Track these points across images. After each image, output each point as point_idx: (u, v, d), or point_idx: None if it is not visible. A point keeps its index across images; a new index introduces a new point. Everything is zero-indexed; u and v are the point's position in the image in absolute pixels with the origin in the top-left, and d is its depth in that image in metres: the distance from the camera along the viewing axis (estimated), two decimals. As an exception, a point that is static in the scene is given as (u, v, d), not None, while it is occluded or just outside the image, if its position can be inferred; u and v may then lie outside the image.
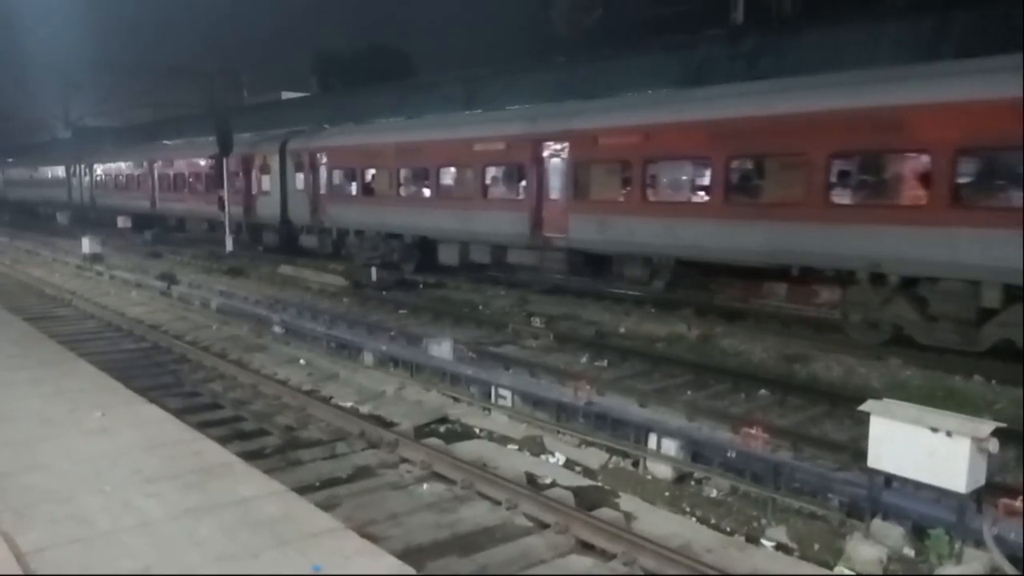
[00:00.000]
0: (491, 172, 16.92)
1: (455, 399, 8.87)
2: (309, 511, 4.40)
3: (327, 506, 4.84)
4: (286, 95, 39.04)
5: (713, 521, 5.93)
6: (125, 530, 4.06)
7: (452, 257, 17.66)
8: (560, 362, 10.57)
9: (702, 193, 12.95)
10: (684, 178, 13.59)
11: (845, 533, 5.47)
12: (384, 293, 16.38)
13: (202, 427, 6.31)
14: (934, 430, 5.05)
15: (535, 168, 15.48)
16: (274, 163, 23.31)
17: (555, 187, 15.23)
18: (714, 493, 6.37)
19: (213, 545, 3.90)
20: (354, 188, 20.75)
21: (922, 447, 5.10)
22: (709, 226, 12.50)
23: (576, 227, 14.68)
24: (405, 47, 40.39)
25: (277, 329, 12.47)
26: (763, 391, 9.17)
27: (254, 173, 24.66)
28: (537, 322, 12.94)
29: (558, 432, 7.68)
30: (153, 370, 10.33)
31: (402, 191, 19.08)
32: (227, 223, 24.21)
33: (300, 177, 22.27)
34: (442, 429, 8.11)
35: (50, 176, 43.54)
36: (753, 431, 6.42)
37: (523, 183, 15.93)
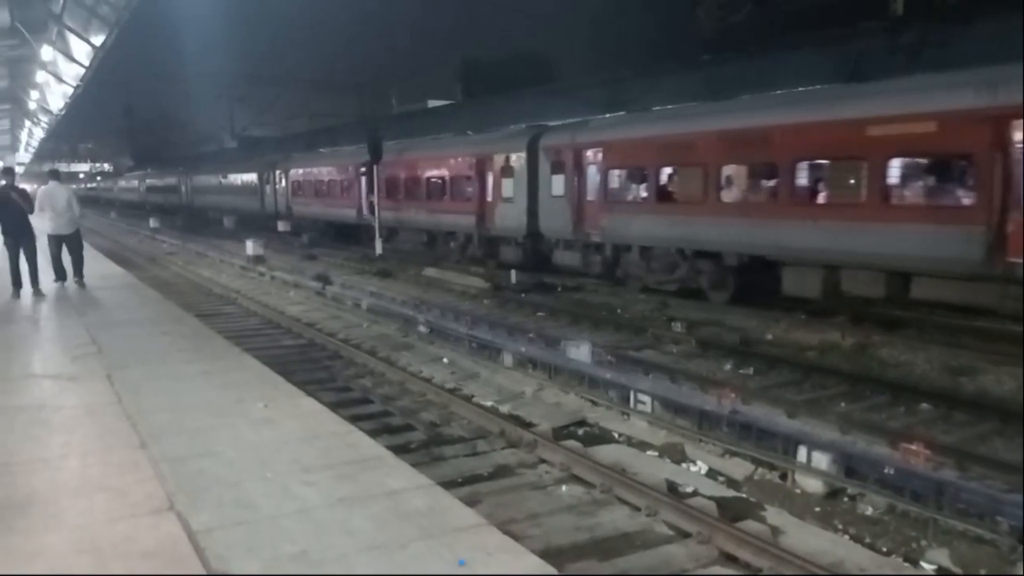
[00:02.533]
0: (890, 166, 11.65)
1: (593, 402, 8.85)
2: (454, 506, 4.51)
3: (469, 502, 4.95)
4: (432, 103, 40.26)
5: (868, 540, 5.61)
6: (285, 515, 4.32)
7: (811, 287, 12.75)
8: (702, 369, 10.32)
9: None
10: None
11: (1016, 559, 5.04)
12: (523, 295, 16.58)
13: (354, 420, 6.61)
14: None
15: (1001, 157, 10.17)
16: (519, 164, 19.47)
17: None
18: (869, 511, 6.02)
19: (364, 534, 4.08)
20: (643, 192, 16.31)
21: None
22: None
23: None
24: (548, 52, 40.71)
25: (422, 329, 12.89)
26: (925, 405, 8.57)
27: (490, 177, 20.82)
28: (678, 327, 12.69)
29: (700, 440, 7.51)
30: (309, 365, 10.93)
31: (725, 195, 14.31)
32: (377, 227, 25.15)
33: (558, 180, 18.20)
34: (580, 432, 8.11)
35: (240, 183, 40.89)
36: (914, 447, 6.02)
37: (980, 180, 10.53)
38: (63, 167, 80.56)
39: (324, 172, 31.02)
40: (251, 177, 38.92)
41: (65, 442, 5.65)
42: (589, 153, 17.45)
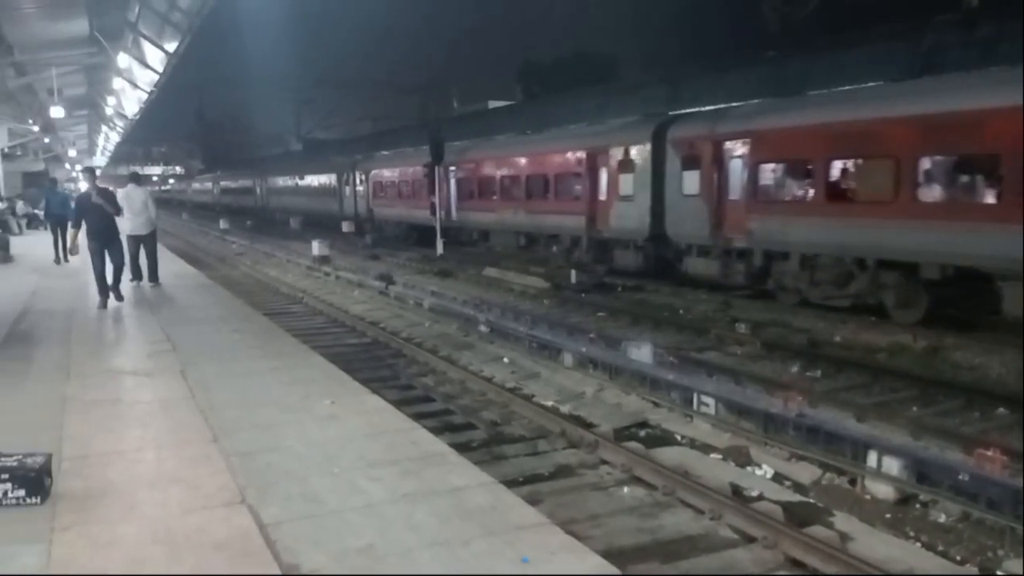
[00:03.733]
0: None
1: (655, 404, 8.78)
2: (516, 504, 4.54)
3: (530, 501, 4.96)
4: (493, 104, 40.44)
5: (941, 548, 5.44)
6: (350, 510, 4.41)
7: None
8: (768, 371, 10.13)
9: None
10: None
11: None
12: (583, 295, 16.52)
13: (417, 418, 6.69)
14: None
15: None
16: (642, 158, 17.34)
17: None
18: (942, 518, 5.83)
19: (428, 530, 4.14)
20: (807, 190, 13.95)
21: None
22: None
23: None
24: (608, 50, 40.50)
25: (483, 328, 12.97)
26: (1002, 410, 8.25)
27: (603, 173, 18.76)
28: (742, 328, 12.49)
29: (765, 444, 7.38)
30: (373, 363, 11.11)
31: (924, 193, 11.97)
32: (438, 228, 25.36)
33: (691, 176, 15.94)
34: (642, 433, 8.06)
35: (317, 185, 39.37)
36: (989, 453, 5.81)
37: None
38: (138, 169, 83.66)
39: (410, 172, 28.94)
40: (329, 178, 37.58)
41: (140, 436, 5.87)
42: (733, 145, 15.04)
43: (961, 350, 10.76)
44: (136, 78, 28.38)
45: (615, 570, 3.82)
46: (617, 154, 18.23)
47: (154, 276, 14.16)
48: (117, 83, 29.61)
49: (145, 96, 32.48)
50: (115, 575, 3.76)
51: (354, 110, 53.15)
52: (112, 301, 11.88)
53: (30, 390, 7.15)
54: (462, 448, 6.70)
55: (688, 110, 18.29)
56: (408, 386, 9.94)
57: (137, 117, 42.59)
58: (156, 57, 24.36)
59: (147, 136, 74.42)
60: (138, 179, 14.86)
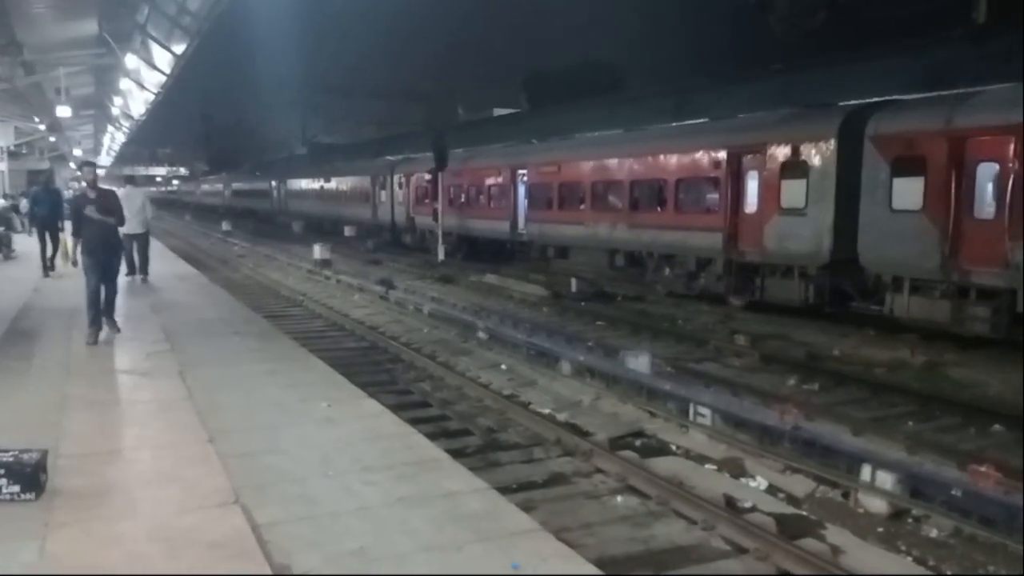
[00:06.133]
0: None
1: (651, 414, 8.79)
2: (510, 510, 4.57)
3: (524, 508, 4.99)
4: (497, 111, 40.52)
5: (932, 563, 5.45)
6: (346, 513, 4.44)
7: None
8: (766, 383, 10.15)
9: None
10: None
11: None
12: (583, 304, 16.55)
13: (413, 423, 6.72)
14: None
15: None
16: (820, 158, 13.42)
17: None
18: (935, 533, 5.85)
19: (422, 534, 4.17)
20: None
21: None
22: None
23: None
24: (615, 60, 40.54)
25: (481, 335, 13.00)
26: (998, 427, 8.27)
27: (753, 178, 14.91)
28: (741, 340, 12.51)
29: (760, 455, 7.39)
30: (371, 367, 11.13)
31: None
32: (440, 234, 25.39)
33: (908, 185, 11.91)
34: (637, 443, 8.06)
35: (347, 188, 35.69)
36: (984, 469, 5.83)
37: None
38: (142, 170, 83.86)
39: (471, 176, 25.38)
40: (362, 181, 33.63)
41: (138, 435, 5.92)
42: (984, 143, 11.05)
43: (960, 367, 10.78)
44: (143, 79, 28.56)
45: (606, 578, 3.85)
46: (778, 154, 14.17)
47: (144, 271, 14.94)
48: (124, 84, 29.80)
49: (152, 97, 32.67)
50: (113, 573, 3.79)
51: (360, 115, 53.23)
52: (105, 333, 9.43)
53: (30, 388, 7.20)
54: (457, 454, 6.72)
55: (892, 97, 13.83)
56: (405, 391, 9.97)
57: (143, 118, 42.80)
58: (164, 59, 24.53)
59: (153, 137, 74.57)
60: (134, 181, 15.48)
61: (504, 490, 5.71)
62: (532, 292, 18.08)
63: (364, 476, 4.96)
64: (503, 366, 11.23)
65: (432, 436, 6.85)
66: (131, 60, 24.06)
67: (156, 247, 17.89)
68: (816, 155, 13.53)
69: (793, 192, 13.89)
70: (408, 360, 11.63)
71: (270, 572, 3.75)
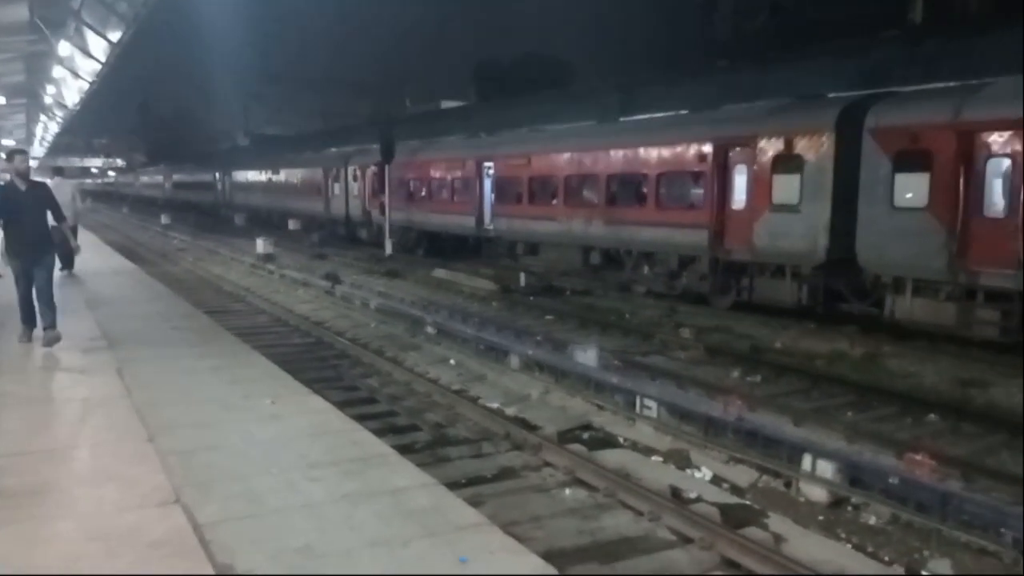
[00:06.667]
0: None
1: (599, 407, 8.86)
2: (457, 505, 4.55)
3: (472, 503, 4.98)
4: (446, 104, 40.34)
5: (870, 549, 5.61)
6: (290, 509, 4.36)
7: None
8: (710, 376, 10.31)
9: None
10: None
11: (1018, 572, 5.03)
12: (531, 298, 16.58)
13: (360, 419, 6.65)
14: None
15: None
16: (818, 152, 12.73)
17: None
18: (873, 520, 6.02)
19: (368, 530, 4.12)
20: None
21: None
22: None
23: None
24: (563, 55, 40.70)
25: (430, 330, 12.93)
26: (933, 416, 8.55)
27: (741, 172, 14.31)
28: (686, 333, 12.69)
29: (705, 447, 7.51)
30: (317, 364, 10.98)
31: None
32: (387, 228, 25.18)
33: (913, 181, 11.52)
34: (585, 436, 8.13)
35: (297, 181, 34.40)
36: (919, 457, 6.03)
37: None
38: (76, 161, 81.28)
39: (426, 168, 24.99)
40: (314, 173, 32.42)
41: (75, 433, 5.74)
42: (995, 137, 10.61)
43: (897, 358, 11.10)
44: (78, 67, 27.65)
45: (553, 570, 3.85)
46: (770, 147, 13.48)
47: (70, 264, 14.49)
48: (58, 72, 28.81)
49: (86, 86, 31.66)
50: (50, 574, 3.67)
51: (303, 107, 52.45)
52: (38, 331, 8.64)
53: (-43, 386, 6.90)
54: (406, 450, 6.68)
55: (894, 88, 13.43)
56: (352, 387, 9.86)
57: (77, 108, 41.47)
58: (99, 47, 23.78)
59: (88, 127, 72.35)
60: (62, 172, 15.22)
61: (453, 485, 5.69)
62: (481, 287, 18.05)
63: (309, 473, 4.88)
64: (452, 361, 11.19)
65: (380, 432, 6.79)
66: (64, 47, 23.27)
67: (91, 240, 17.36)
68: (811, 149, 12.85)
69: (786, 187, 13.26)
70: (355, 356, 11.50)
71: (212, 572, 3.66)
